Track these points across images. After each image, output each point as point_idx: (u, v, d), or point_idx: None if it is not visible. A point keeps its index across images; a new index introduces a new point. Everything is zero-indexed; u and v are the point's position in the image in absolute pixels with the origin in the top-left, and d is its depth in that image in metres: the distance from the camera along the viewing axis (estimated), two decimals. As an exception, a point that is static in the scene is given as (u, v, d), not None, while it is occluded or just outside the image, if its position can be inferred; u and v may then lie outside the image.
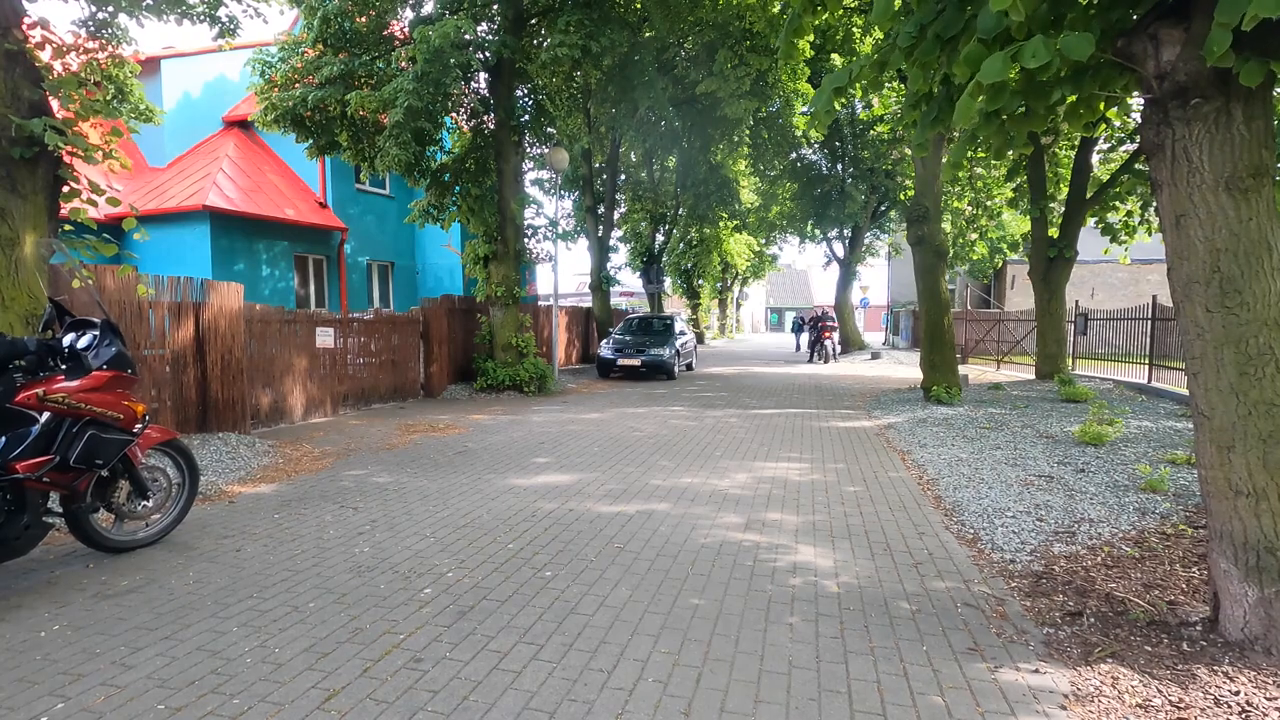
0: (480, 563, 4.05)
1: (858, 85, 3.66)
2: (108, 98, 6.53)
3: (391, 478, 6.20)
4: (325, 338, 9.77)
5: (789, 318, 30.28)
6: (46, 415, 3.72)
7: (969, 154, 3.65)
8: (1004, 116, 3.08)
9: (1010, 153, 3.43)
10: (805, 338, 29.44)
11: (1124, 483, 5.60)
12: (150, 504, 4.36)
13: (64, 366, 3.86)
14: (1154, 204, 12.39)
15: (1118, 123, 11.98)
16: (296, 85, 11.71)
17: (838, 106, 3.75)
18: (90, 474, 3.94)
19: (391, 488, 5.83)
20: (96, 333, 4.08)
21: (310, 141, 12.38)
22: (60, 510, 3.99)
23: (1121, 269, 24.04)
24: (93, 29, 6.37)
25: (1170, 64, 2.76)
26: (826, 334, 22.01)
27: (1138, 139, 12.23)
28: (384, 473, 6.40)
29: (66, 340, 3.98)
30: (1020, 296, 24.33)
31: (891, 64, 3.34)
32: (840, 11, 11.33)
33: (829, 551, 4.29)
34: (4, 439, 3.59)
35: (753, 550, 4.29)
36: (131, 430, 4.11)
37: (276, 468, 6.58)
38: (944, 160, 11.34)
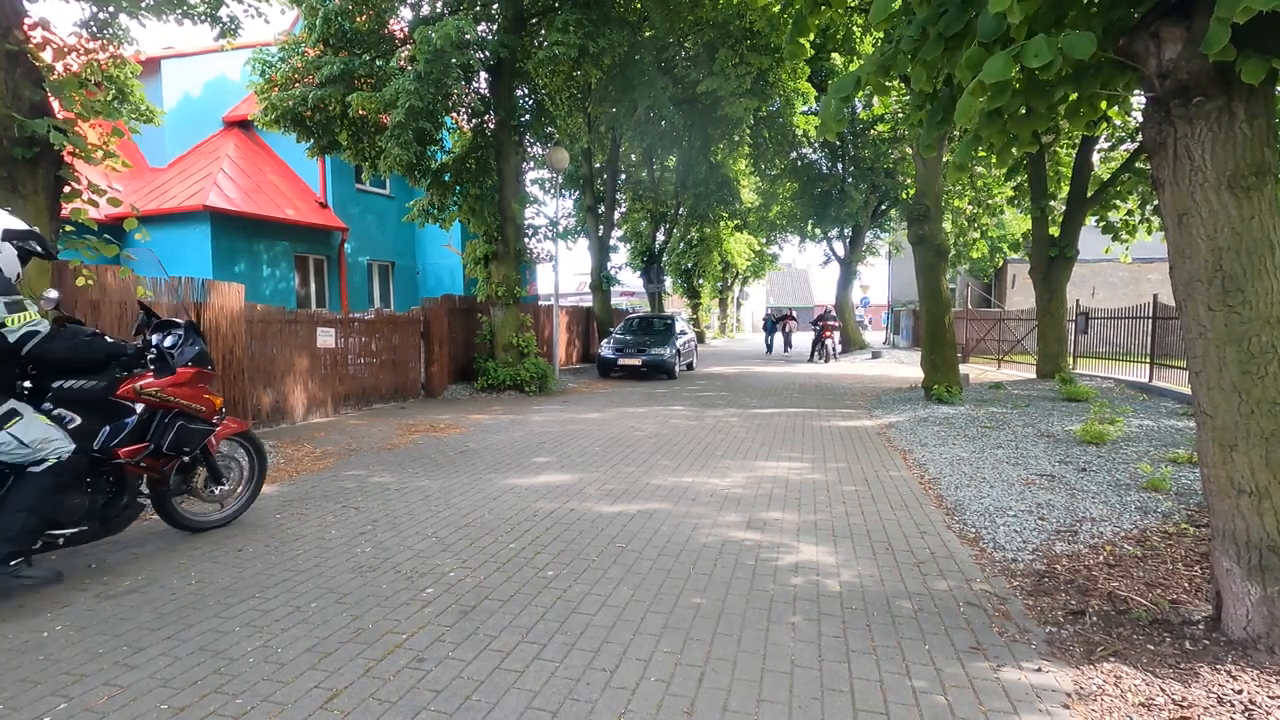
0: (482, 562, 4.05)
1: (861, 92, 3.66)
2: (108, 98, 6.53)
3: (393, 477, 6.20)
4: (326, 338, 9.77)
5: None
6: (141, 407, 4.10)
7: (973, 154, 3.65)
8: (1005, 116, 3.07)
9: (1014, 151, 3.42)
10: (779, 338, 28.50)
11: (1126, 481, 5.60)
12: (225, 489, 4.76)
13: (153, 365, 4.25)
14: (1155, 202, 12.43)
15: (1118, 121, 11.96)
16: (297, 85, 11.71)
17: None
18: (176, 460, 4.35)
19: (393, 487, 5.84)
20: (181, 333, 4.50)
21: (311, 142, 12.38)
22: (148, 493, 4.33)
23: (1122, 268, 24.00)
24: (93, 29, 6.37)
25: (1172, 62, 2.75)
26: (828, 333, 21.96)
27: (1139, 137, 12.24)
28: (385, 472, 6.40)
29: (154, 340, 4.40)
30: (1021, 296, 24.32)
31: (897, 67, 3.34)
32: (842, 10, 11.31)
33: (831, 551, 4.29)
34: (108, 428, 3.96)
35: (754, 550, 4.29)
36: (212, 421, 4.51)
37: (278, 468, 6.57)
38: (945, 159, 11.33)
